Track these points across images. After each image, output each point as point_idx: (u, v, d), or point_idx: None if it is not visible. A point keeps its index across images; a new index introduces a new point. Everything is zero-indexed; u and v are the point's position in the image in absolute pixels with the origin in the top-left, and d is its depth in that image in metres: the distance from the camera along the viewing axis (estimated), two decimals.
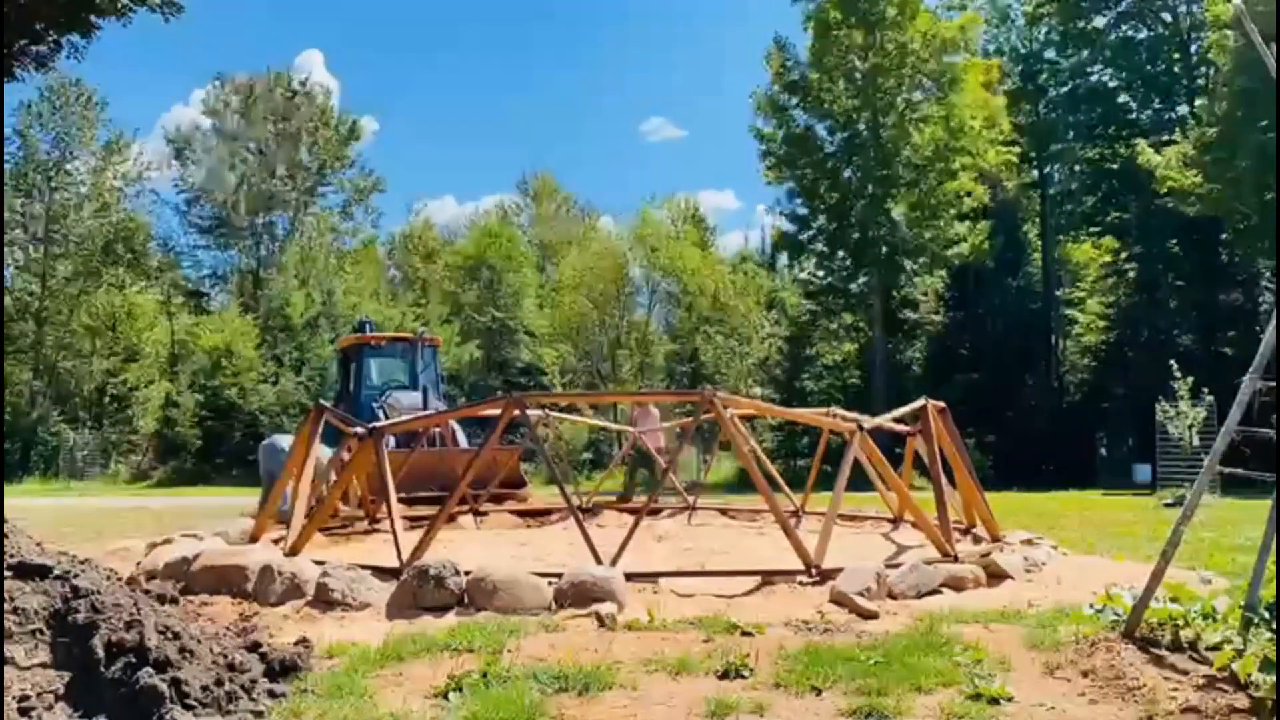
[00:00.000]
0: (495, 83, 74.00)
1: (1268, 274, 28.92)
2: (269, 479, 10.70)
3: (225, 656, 4.08)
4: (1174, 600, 4.63)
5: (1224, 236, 28.97)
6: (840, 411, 9.77)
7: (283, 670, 4.22)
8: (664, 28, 77.53)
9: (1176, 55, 34.46)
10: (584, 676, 4.16)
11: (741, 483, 23.05)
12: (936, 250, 31.41)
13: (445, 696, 4.00)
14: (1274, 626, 4.10)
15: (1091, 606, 4.99)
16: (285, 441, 11.79)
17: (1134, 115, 35.39)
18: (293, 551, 6.83)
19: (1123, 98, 35.84)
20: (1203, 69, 32.51)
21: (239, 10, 63.52)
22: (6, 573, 3.91)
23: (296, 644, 4.65)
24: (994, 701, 3.87)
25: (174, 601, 5.09)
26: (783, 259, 40.05)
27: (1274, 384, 4.66)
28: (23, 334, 34.66)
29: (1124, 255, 34.56)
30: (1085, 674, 4.25)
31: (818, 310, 35.44)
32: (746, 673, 4.28)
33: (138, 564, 7.09)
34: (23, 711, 3.45)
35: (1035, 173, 37.67)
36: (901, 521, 9.89)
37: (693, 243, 39.08)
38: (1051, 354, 35.80)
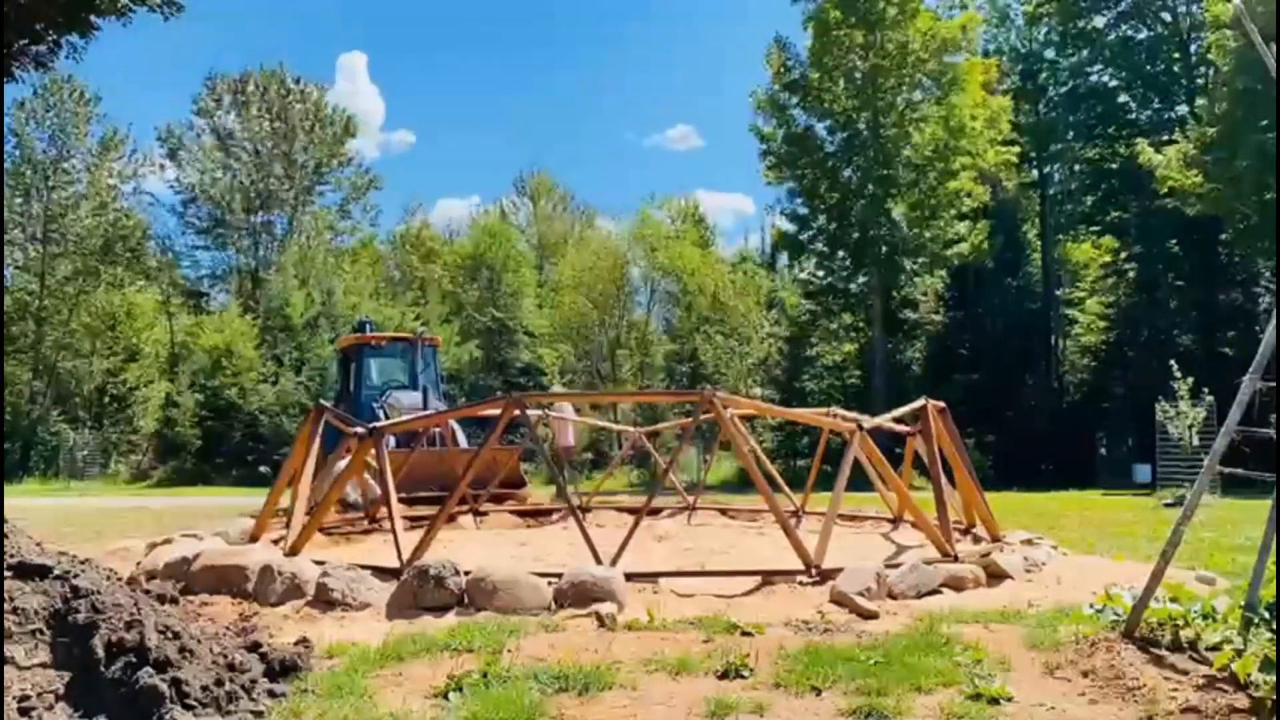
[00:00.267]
0: (511, 84, 74.68)
1: (1267, 274, 28.92)
2: None
3: (225, 656, 4.08)
4: (1174, 600, 4.63)
5: (1224, 236, 28.98)
6: (840, 411, 9.78)
7: (283, 670, 4.22)
8: (673, 29, 77.99)
9: (1176, 55, 34.47)
10: (584, 676, 4.16)
11: (741, 483, 23.06)
12: (936, 250, 31.43)
13: (445, 696, 4.00)
14: (1274, 626, 4.10)
15: (1091, 606, 4.99)
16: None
17: (1134, 115, 35.40)
18: (293, 551, 6.83)
19: (1123, 98, 35.85)
20: (1203, 69, 32.51)
21: (255, 16, 64.21)
22: (6, 573, 3.91)
23: (296, 644, 4.65)
24: (994, 701, 3.87)
25: (174, 601, 5.09)
26: (783, 259, 40.08)
27: (1274, 384, 4.66)
28: (23, 334, 34.65)
29: (1124, 255, 34.58)
30: (1085, 674, 4.26)
31: (818, 310, 35.46)
32: (746, 673, 4.28)
33: (138, 564, 7.09)
34: (23, 711, 3.44)
35: (1035, 173, 37.69)
36: (901, 521, 9.89)
37: (692, 243, 39.08)
38: (1051, 354, 35.81)
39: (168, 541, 7.77)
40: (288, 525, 7.52)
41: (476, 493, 10.67)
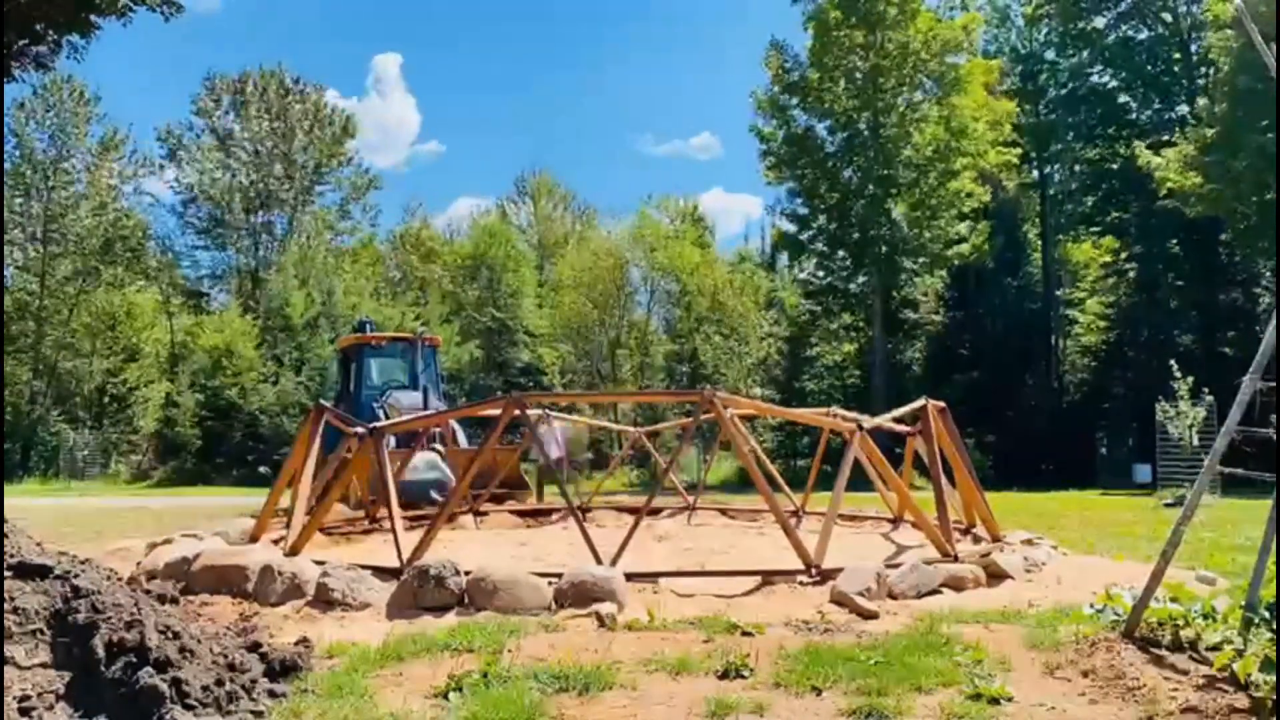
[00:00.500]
0: (532, 89, 74.96)
1: (1267, 274, 28.92)
2: None
3: (225, 656, 4.08)
4: (1174, 600, 4.63)
5: (1224, 236, 28.98)
6: (840, 411, 9.77)
7: (283, 670, 4.22)
8: (694, 31, 78.32)
9: (1176, 55, 34.46)
10: (584, 676, 4.16)
11: (741, 483, 23.07)
12: (936, 250, 31.44)
13: (445, 696, 4.00)
14: (1274, 626, 4.10)
15: (1091, 606, 4.99)
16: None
17: (1134, 115, 35.39)
18: (293, 551, 6.83)
19: (1123, 98, 35.84)
20: (1203, 69, 32.50)
21: (279, 22, 64.62)
22: (6, 573, 3.91)
23: (296, 644, 4.65)
24: (994, 701, 3.87)
25: (174, 601, 5.09)
26: (783, 259, 40.08)
27: (1274, 384, 4.66)
28: (23, 334, 34.64)
29: (1124, 255, 34.58)
30: (1085, 674, 4.26)
31: (817, 310, 35.47)
32: (746, 673, 4.28)
33: (138, 564, 7.09)
34: (23, 711, 3.44)
35: (1035, 173, 37.70)
36: (901, 521, 9.90)
37: (692, 243, 39.09)
38: (1051, 354, 35.81)
39: (168, 541, 7.77)
40: (288, 525, 7.52)
41: (477, 493, 10.66)
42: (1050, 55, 37.57)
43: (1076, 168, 37.34)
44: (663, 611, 5.44)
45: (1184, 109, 32.61)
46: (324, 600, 5.79)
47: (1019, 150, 34.48)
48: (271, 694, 3.97)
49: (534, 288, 41.17)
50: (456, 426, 13.63)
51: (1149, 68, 34.87)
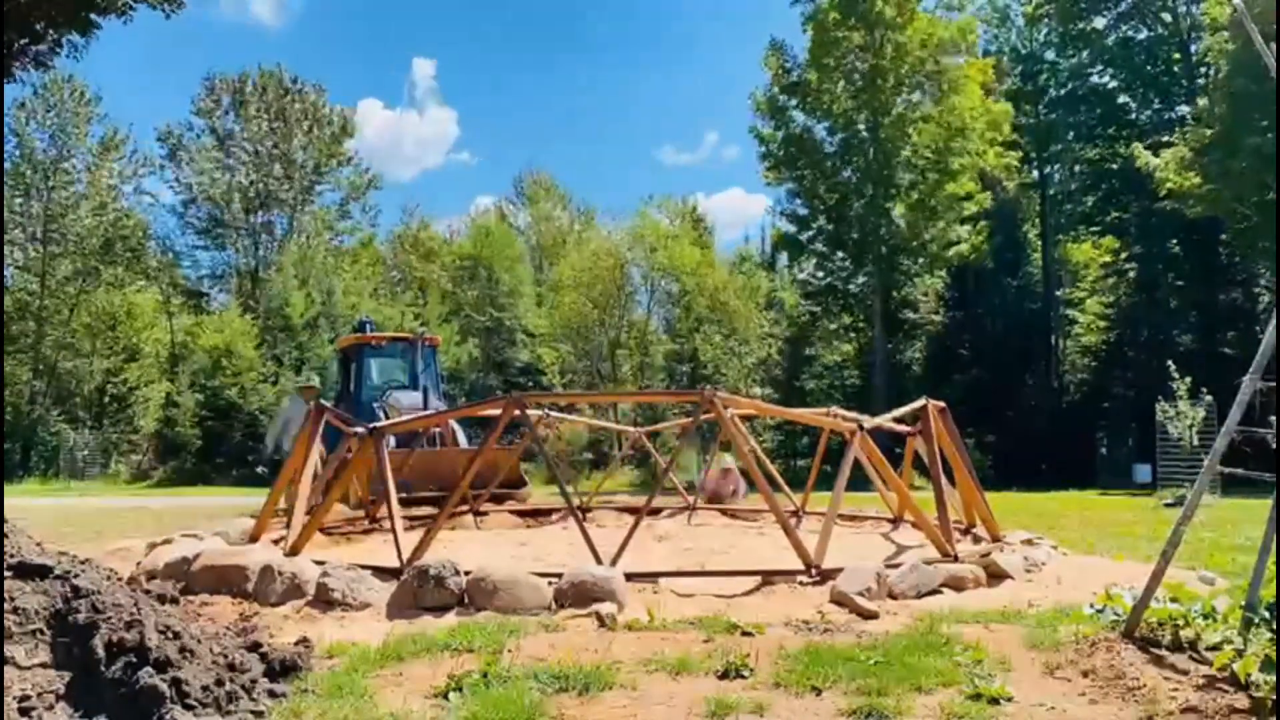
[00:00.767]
0: (554, 92, 75.32)
1: (1267, 274, 28.93)
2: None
3: (225, 656, 4.08)
4: (1174, 600, 4.63)
5: (1224, 236, 28.98)
6: (840, 411, 9.77)
7: (283, 670, 4.22)
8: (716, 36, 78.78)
9: (1176, 56, 34.47)
10: (584, 676, 4.16)
11: None
12: (936, 250, 31.45)
13: (445, 696, 4.00)
14: (1274, 626, 4.10)
15: (1091, 606, 4.99)
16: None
17: (1134, 116, 35.40)
18: (293, 551, 6.83)
19: (1122, 98, 35.84)
20: (1202, 69, 32.51)
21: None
22: (6, 573, 3.91)
23: (296, 644, 4.65)
24: (994, 701, 3.87)
25: (174, 601, 5.09)
26: (782, 259, 40.08)
27: (1274, 384, 4.66)
28: (23, 334, 34.65)
29: (1124, 255, 34.57)
30: (1085, 674, 4.25)
31: (817, 310, 35.47)
32: (746, 673, 4.28)
33: (138, 564, 7.08)
34: (23, 711, 3.44)
35: (1035, 173, 37.69)
36: (901, 521, 9.89)
37: (691, 242, 39.07)
38: (1051, 354, 35.81)
39: (168, 541, 7.77)
40: (288, 525, 7.52)
41: (477, 493, 10.66)
42: (1050, 55, 37.57)
43: (1076, 168, 37.34)
44: (663, 611, 5.44)
45: (1184, 109, 32.62)
46: (324, 600, 5.78)
47: (1018, 151, 34.47)
48: (271, 694, 3.97)
49: (533, 288, 41.16)
50: (456, 426, 13.64)
51: (1148, 68, 34.88)
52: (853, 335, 35.41)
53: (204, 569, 6.35)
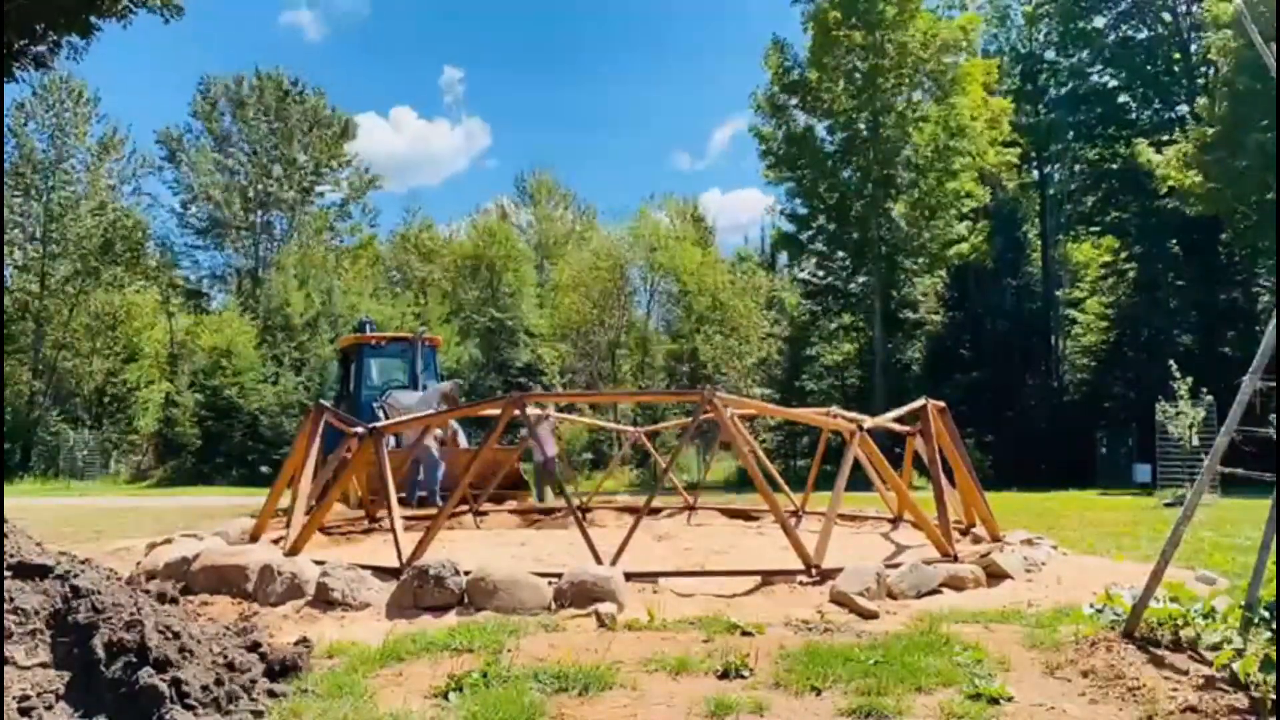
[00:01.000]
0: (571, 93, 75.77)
1: (1264, 274, 28.94)
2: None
3: (225, 656, 4.08)
4: (1174, 600, 4.63)
5: (1224, 236, 28.98)
6: (840, 411, 9.77)
7: (282, 670, 4.22)
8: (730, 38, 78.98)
9: (1176, 55, 34.46)
10: (584, 676, 4.16)
11: (741, 482, 23.07)
12: (936, 250, 31.44)
13: (445, 696, 4.00)
14: (1274, 626, 4.10)
15: (1091, 606, 4.99)
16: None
17: (1134, 115, 35.37)
18: (293, 551, 6.83)
19: (1123, 98, 35.82)
20: (1203, 69, 32.51)
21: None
22: (6, 573, 3.91)
23: (296, 644, 4.65)
24: (994, 701, 3.87)
25: (174, 601, 5.09)
26: (783, 259, 40.08)
27: (1274, 384, 4.66)
28: (23, 334, 34.65)
29: (1124, 255, 34.56)
30: (1085, 674, 4.25)
31: (817, 310, 35.46)
32: (746, 673, 4.28)
33: (138, 564, 7.09)
34: (23, 711, 3.44)
35: (1035, 173, 37.69)
36: (901, 521, 9.89)
37: (692, 243, 39.10)
38: (1051, 354, 35.80)
39: (168, 541, 7.77)
40: (288, 525, 7.52)
41: (476, 492, 10.66)
42: (1050, 55, 37.57)
43: (1076, 168, 37.32)
44: (663, 611, 5.44)
45: (1184, 109, 32.59)
46: (324, 600, 5.78)
47: (1018, 150, 34.47)
48: (271, 694, 3.97)
49: (534, 288, 41.17)
50: (456, 426, 13.64)
51: (1149, 67, 34.87)
52: (853, 335, 35.41)
53: (204, 569, 6.35)
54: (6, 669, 3.55)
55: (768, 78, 33.09)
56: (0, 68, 5.02)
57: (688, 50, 79.45)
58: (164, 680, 3.63)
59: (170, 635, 3.92)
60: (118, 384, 35.74)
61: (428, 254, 43.87)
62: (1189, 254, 31.21)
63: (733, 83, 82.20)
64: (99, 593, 3.98)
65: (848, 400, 29.09)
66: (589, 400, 27.68)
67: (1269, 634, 4.09)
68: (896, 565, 6.37)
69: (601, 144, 78.11)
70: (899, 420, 9.04)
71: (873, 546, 8.41)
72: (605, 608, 5.38)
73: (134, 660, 3.69)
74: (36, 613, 3.82)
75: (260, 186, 41.81)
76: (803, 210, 33.91)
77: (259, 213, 42.54)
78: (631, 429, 16.36)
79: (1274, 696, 3.66)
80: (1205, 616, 4.53)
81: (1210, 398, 16.98)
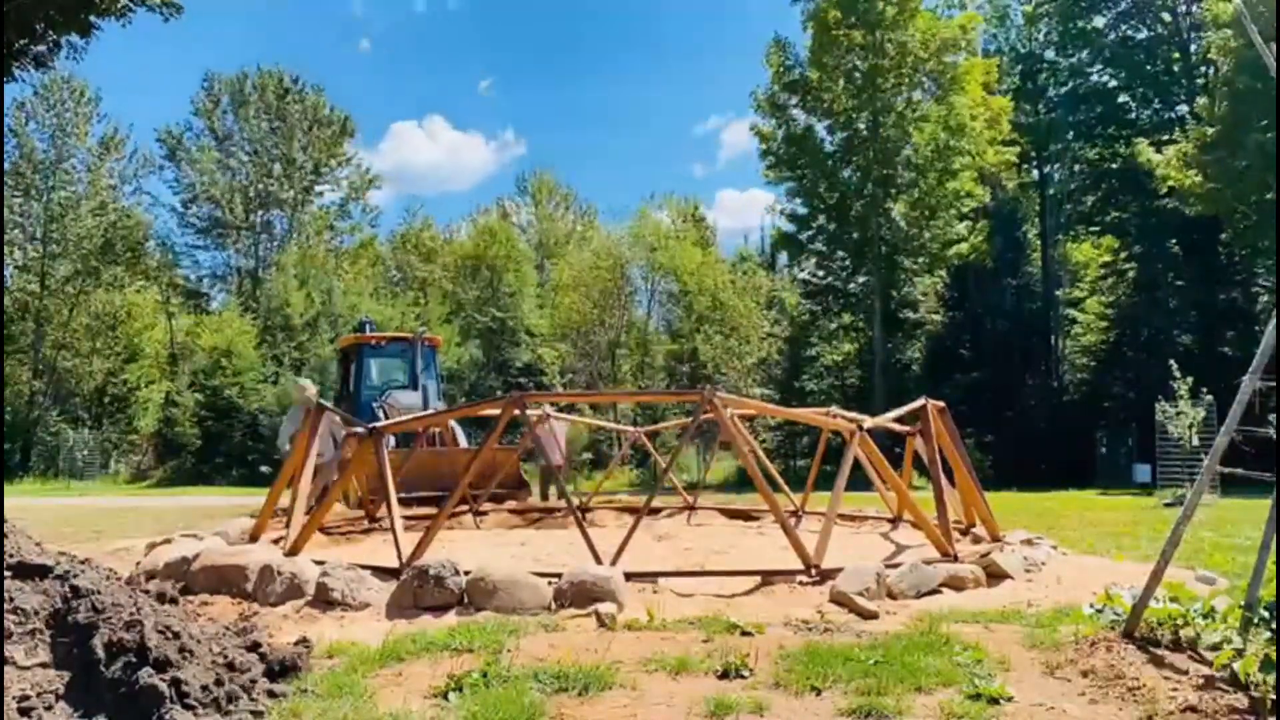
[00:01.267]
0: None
1: (1264, 274, 28.93)
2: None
3: (225, 656, 4.08)
4: (1174, 600, 4.63)
5: (1224, 236, 28.97)
6: (840, 411, 9.77)
7: (282, 670, 4.22)
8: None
9: (1176, 55, 34.44)
10: (584, 676, 4.16)
11: (741, 482, 23.07)
12: (936, 250, 31.43)
13: (445, 696, 4.00)
14: (1274, 626, 4.10)
15: (1091, 606, 4.99)
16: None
17: (1134, 115, 35.35)
18: (293, 551, 6.83)
19: (1123, 98, 35.80)
20: (1203, 69, 32.50)
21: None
22: (6, 573, 3.91)
23: (296, 644, 4.65)
24: (994, 701, 3.87)
25: (174, 601, 5.09)
26: (783, 259, 40.06)
27: (1274, 384, 4.66)
28: (23, 334, 34.65)
29: (1124, 255, 34.55)
30: (1085, 674, 4.25)
31: (817, 310, 35.45)
32: (746, 673, 4.28)
33: (138, 564, 7.09)
34: (23, 711, 3.44)
35: (1035, 173, 37.68)
36: (901, 521, 9.89)
37: (692, 242, 39.09)
38: (1051, 354, 35.79)
39: (168, 541, 7.77)
40: (287, 525, 7.52)
41: (476, 493, 10.66)
42: (1050, 54, 37.55)
43: (1076, 167, 37.30)
44: (663, 611, 5.44)
45: (1184, 109, 32.57)
46: (324, 600, 5.78)
47: (1018, 150, 34.46)
48: (271, 694, 3.97)
49: (534, 288, 41.17)
50: (456, 426, 13.64)
51: (1149, 67, 34.85)
52: (853, 335, 35.41)
53: (204, 569, 6.35)
54: (6, 669, 3.55)
55: (768, 77, 33.12)
56: (0, 67, 5.02)
57: (688, 50, 79.75)
58: (164, 680, 3.63)
59: (170, 635, 3.92)
60: (118, 384, 35.74)
61: (428, 254, 43.88)
62: (1189, 254, 31.20)
63: (733, 83, 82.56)
64: (99, 593, 3.98)
65: (848, 400, 29.08)
66: (589, 400, 27.67)
67: (1269, 634, 4.09)
68: (896, 565, 6.37)
69: (601, 144, 78.34)
70: (899, 420, 9.04)
71: (873, 546, 8.41)
72: (605, 608, 5.38)
73: (134, 660, 3.69)
74: (36, 613, 3.82)
75: (260, 186, 41.80)
76: (803, 210, 33.91)
77: (259, 212, 42.53)
78: (631, 429, 16.36)
79: (1274, 696, 3.66)
80: (1205, 616, 4.53)
81: (1210, 398, 16.97)
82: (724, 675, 4.26)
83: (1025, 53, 37.83)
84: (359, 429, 7.69)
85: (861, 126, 31.73)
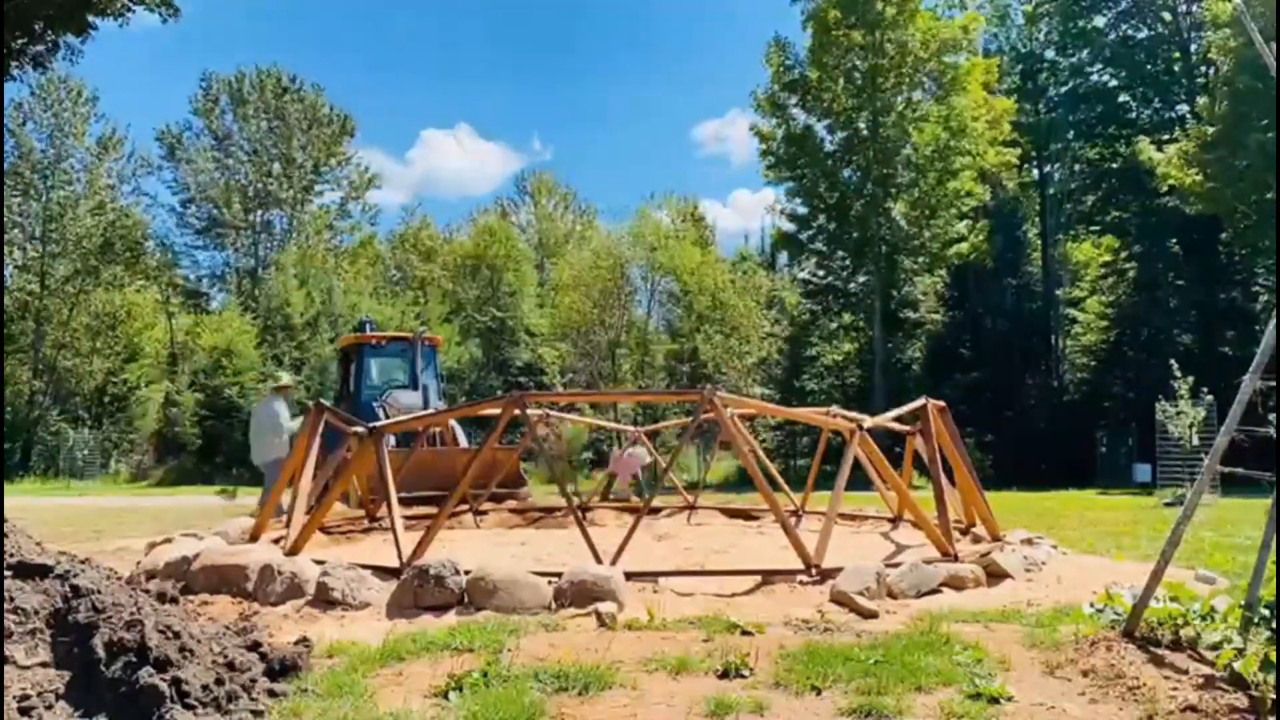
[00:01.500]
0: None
1: (1264, 274, 28.92)
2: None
3: (225, 656, 4.08)
4: (1174, 600, 4.63)
5: (1224, 236, 28.97)
6: (840, 411, 9.77)
7: (283, 670, 4.22)
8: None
9: (1176, 55, 34.46)
10: (584, 676, 4.16)
11: (741, 482, 23.07)
12: (936, 249, 31.44)
13: (445, 696, 4.00)
14: (1274, 626, 4.10)
15: (1091, 606, 4.99)
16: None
17: (1134, 115, 35.38)
18: (293, 551, 6.83)
19: (1123, 97, 35.83)
20: (1203, 68, 32.50)
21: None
22: (6, 573, 3.91)
23: (296, 643, 4.65)
24: (994, 701, 3.87)
25: (174, 601, 5.09)
26: (783, 258, 40.07)
27: (1274, 383, 4.66)
28: (23, 334, 34.64)
29: (1124, 255, 34.57)
30: (1085, 673, 4.25)
31: (817, 310, 35.46)
32: (746, 672, 4.28)
33: (138, 564, 7.09)
34: (23, 711, 3.44)
35: (1035, 172, 37.69)
36: (901, 521, 9.89)
37: (692, 242, 39.08)
38: (1051, 353, 35.80)
39: (168, 541, 7.77)
40: (287, 525, 7.52)
41: (476, 493, 10.66)
42: (1050, 54, 37.56)
43: (1076, 167, 37.31)
44: (663, 611, 5.44)
45: (1184, 108, 32.60)
46: (324, 600, 5.78)
47: (1019, 149, 34.47)
48: (271, 693, 3.97)
49: (534, 287, 41.17)
50: (456, 426, 13.64)
51: (1149, 66, 34.87)
52: (853, 335, 35.41)
53: (204, 568, 6.35)
54: (6, 668, 3.55)
55: (768, 76, 33.12)
56: (0, 68, 5.02)
57: (688, 50, 79.85)
58: (164, 680, 3.63)
59: (170, 635, 3.92)
60: (118, 384, 35.71)
61: (428, 253, 43.88)
62: (1189, 253, 31.21)
63: (733, 82, 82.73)
64: (99, 592, 3.98)
65: (848, 400, 29.09)
66: (589, 400, 27.64)
67: (1269, 634, 4.09)
68: (896, 565, 6.37)
69: (602, 144, 78.40)
70: (899, 420, 9.04)
71: (873, 546, 8.41)
72: (605, 607, 5.38)
73: (134, 660, 3.69)
74: (36, 612, 3.82)
75: (260, 185, 41.78)
76: (803, 210, 33.92)
77: (258, 212, 42.51)
78: (632, 428, 16.34)
79: (1274, 696, 3.66)
80: (1205, 616, 4.53)
81: (1210, 397, 16.97)
82: (724, 675, 4.26)
83: (1025, 52, 37.84)
84: (359, 428, 7.68)
85: (861, 126, 31.73)
